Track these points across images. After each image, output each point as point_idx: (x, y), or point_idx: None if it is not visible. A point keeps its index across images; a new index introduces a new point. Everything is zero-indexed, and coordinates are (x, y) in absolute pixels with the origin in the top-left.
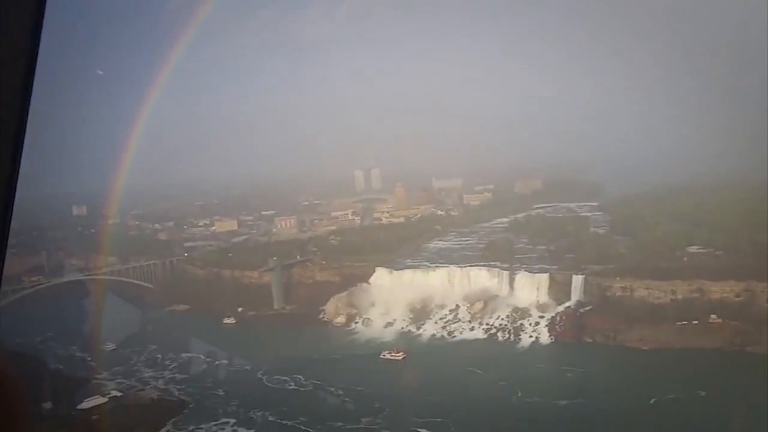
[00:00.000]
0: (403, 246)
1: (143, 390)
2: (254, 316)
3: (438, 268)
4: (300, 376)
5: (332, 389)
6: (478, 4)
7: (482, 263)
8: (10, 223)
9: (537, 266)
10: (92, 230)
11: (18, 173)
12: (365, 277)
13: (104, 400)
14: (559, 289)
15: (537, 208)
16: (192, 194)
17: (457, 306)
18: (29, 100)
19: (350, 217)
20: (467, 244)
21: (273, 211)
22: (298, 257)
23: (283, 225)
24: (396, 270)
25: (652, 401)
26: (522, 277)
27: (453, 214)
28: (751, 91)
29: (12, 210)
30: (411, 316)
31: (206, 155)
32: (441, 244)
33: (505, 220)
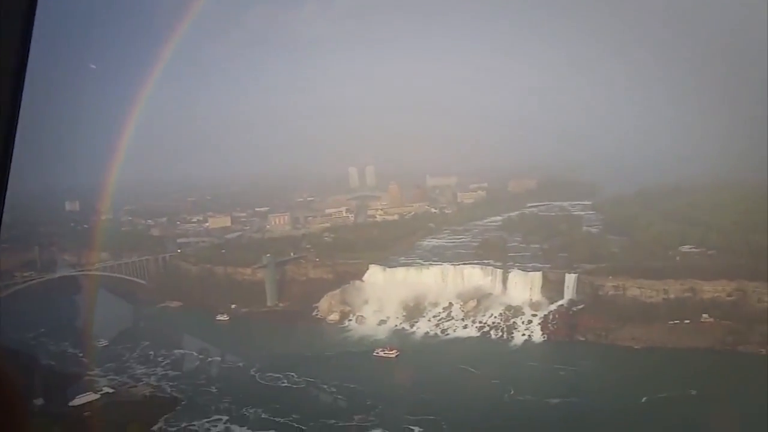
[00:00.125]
0: (396, 244)
1: (135, 387)
2: (247, 312)
3: (431, 266)
4: (293, 374)
5: (325, 386)
6: (474, 4)
7: (476, 261)
8: (1, 218)
9: (530, 265)
10: (85, 225)
11: (10, 168)
12: (359, 275)
13: (96, 396)
14: (551, 288)
15: (530, 206)
16: (185, 190)
17: (451, 304)
18: (21, 94)
19: (344, 215)
20: (461, 242)
21: (267, 208)
22: (292, 254)
23: (277, 222)
24: (390, 267)
25: (643, 400)
26: (515, 276)
27: (447, 212)
28: (746, 91)
29: (4, 205)
30: (404, 313)
31: (200, 151)
32: (435, 242)
33: (499, 218)
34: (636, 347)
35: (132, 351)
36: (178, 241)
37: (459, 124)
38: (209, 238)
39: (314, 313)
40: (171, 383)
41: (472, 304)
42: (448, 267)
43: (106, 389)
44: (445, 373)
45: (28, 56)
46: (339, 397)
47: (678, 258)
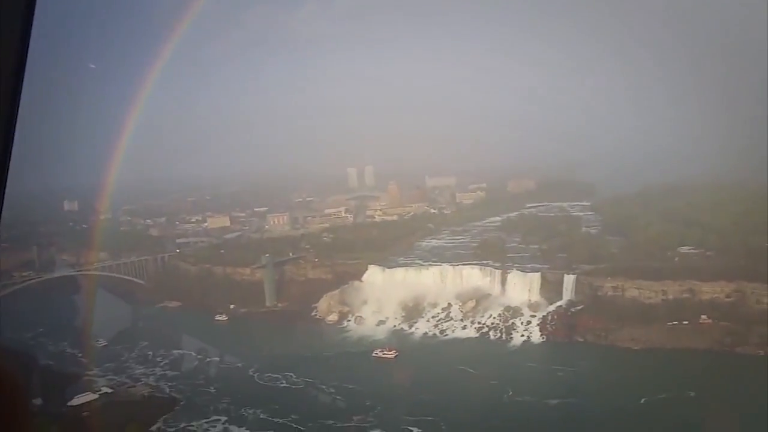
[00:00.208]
0: (395, 244)
1: (134, 387)
2: (246, 313)
3: (430, 267)
4: (291, 374)
5: (324, 387)
6: (473, 4)
7: (475, 262)
8: (0, 218)
9: (529, 265)
10: (84, 225)
11: (8, 167)
12: (358, 275)
13: (95, 396)
14: (550, 289)
15: (529, 207)
16: (184, 190)
17: (450, 304)
18: (20, 94)
19: (343, 215)
20: (460, 243)
21: (266, 208)
22: (291, 254)
23: (276, 222)
24: (389, 268)
25: (642, 401)
26: (514, 276)
27: (446, 212)
28: (745, 92)
29: (2, 204)
30: (403, 314)
31: (199, 151)
32: (434, 243)
33: (498, 219)
34: (635, 348)
35: (131, 351)
36: (177, 241)
37: (458, 125)
38: (208, 238)
39: (313, 314)
40: (170, 383)
41: (471, 304)
42: (447, 267)
43: (105, 389)
44: (444, 374)
45: (27, 55)
46: (338, 397)
47: (677, 259)
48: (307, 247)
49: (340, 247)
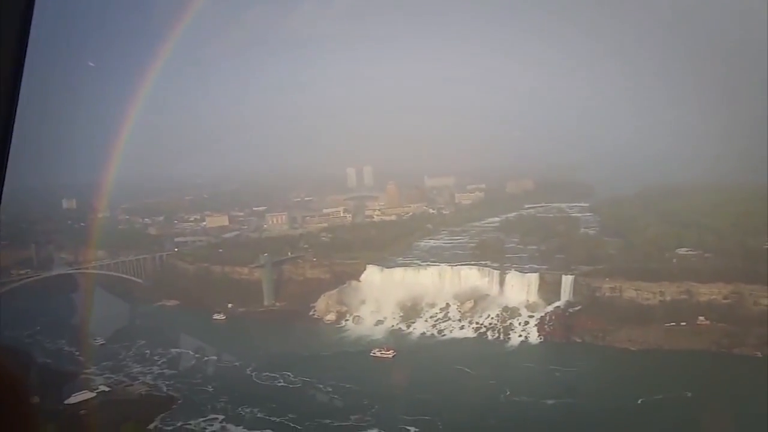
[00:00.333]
0: (394, 244)
1: (132, 385)
2: (244, 312)
3: (429, 267)
4: (289, 373)
5: (321, 386)
6: (472, 4)
7: (473, 262)
8: None
9: (527, 266)
10: (82, 224)
11: (7, 165)
12: (356, 275)
13: (92, 395)
14: (548, 289)
15: (528, 208)
16: (183, 189)
17: (448, 305)
18: (18, 91)
19: (342, 215)
20: (458, 243)
21: (264, 207)
22: (289, 254)
23: (275, 221)
24: (387, 268)
25: (639, 401)
26: (512, 277)
27: (444, 212)
28: (744, 93)
29: (0, 202)
30: (401, 314)
31: (198, 150)
32: (432, 243)
33: (497, 219)
34: (632, 349)
35: (128, 349)
36: (176, 239)
37: (457, 125)
38: (206, 237)
39: (311, 313)
40: (167, 382)
41: (469, 305)
42: (445, 268)
43: (102, 388)
44: (442, 374)
45: (25, 53)
46: (335, 396)
47: (674, 260)
48: (305, 246)
49: (339, 246)
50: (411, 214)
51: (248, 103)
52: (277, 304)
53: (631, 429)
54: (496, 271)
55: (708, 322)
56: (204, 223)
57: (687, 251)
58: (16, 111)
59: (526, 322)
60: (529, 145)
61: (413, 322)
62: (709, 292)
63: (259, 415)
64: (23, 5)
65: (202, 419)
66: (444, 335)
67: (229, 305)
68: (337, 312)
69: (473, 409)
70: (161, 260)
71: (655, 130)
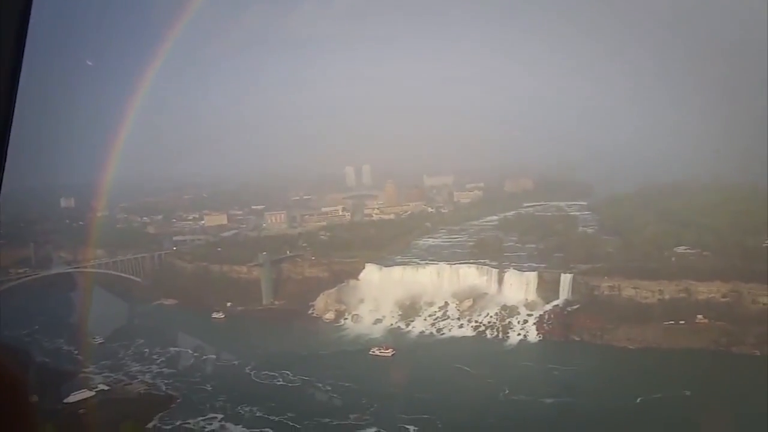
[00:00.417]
0: (393, 243)
1: (130, 384)
2: (243, 311)
3: (428, 265)
4: (288, 372)
5: (320, 385)
6: (470, 4)
7: (472, 261)
8: None
9: (526, 264)
10: (80, 222)
11: (5, 164)
12: (355, 274)
13: (91, 393)
14: (547, 288)
15: (527, 206)
16: (181, 188)
17: (446, 303)
18: (16, 90)
19: (340, 213)
20: (457, 242)
21: (263, 206)
22: (288, 252)
23: (273, 220)
24: (386, 266)
25: (638, 400)
26: (511, 276)
27: (443, 211)
28: (743, 93)
29: None
30: (400, 312)
31: (197, 149)
32: (431, 241)
33: (495, 218)
34: (631, 347)
35: (127, 348)
36: (174, 238)
37: (456, 124)
38: (205, 235)
39: (310, 312)
40: (166, 381)
41: (468, 303)
42: (444, 266)
43: (101, 386)
44: (441, 373)
45: (24, 52)
46: (334, 395)
47: (673, 259)
48: (304, 245)
49: (338, 245)
50: (410, 212)
51: (247, 103)
52: (276, 302)
53: (630, 428)
54: (494, 269)
55: (706, 320)
56: (203, 221)
57: (686, 250)
58: (14, 109)
59: (525, 321)
60: (527, 144)
61: (412, 321)
62: (708, 291)
63: (258, 414)
64: (21, 4)
65: (201, 418)
66: (443, 334)
67: (228, 304)
68: (336, 311)
69: (472, 408)
70: (160, 259)
71: (653, 129)
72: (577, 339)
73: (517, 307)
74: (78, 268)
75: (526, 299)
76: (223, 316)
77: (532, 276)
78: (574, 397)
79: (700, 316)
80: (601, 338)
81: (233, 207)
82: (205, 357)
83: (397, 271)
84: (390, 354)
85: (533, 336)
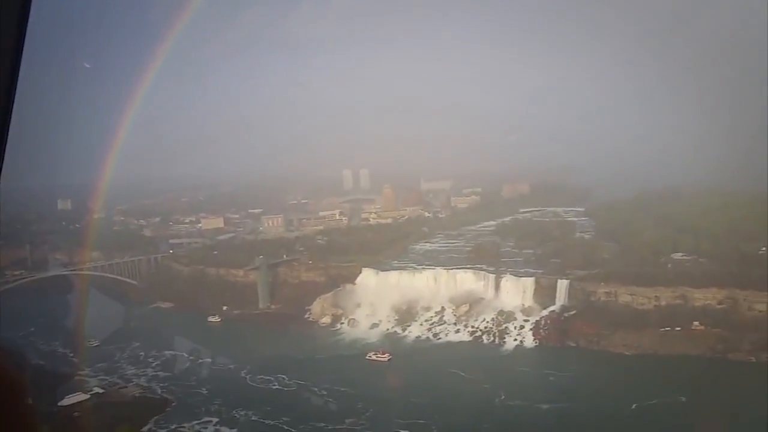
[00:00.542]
0: (390, 247)
1: (126, 387)
2: (239, 314)
3: (424, 270)
4: (284, 376)
5: (316, 389)
6: (468, 8)
7: (468, 266)
8: None
9: (523, 270)
10: (77, 225)
11: (2, 165)
12: (352, 278)
13: (86, 396)
14: (544, 293)
15: (524, 212)
16: (178, 191)
17: (443, 308)
18: (14, 91)
19: (338, 217)
20: (454, 247)
21: (260, 210)
22: (285, 256)
23: (270, 224)
24: (382, 271)
25: (634, 406)
26: (508, 281)
27: (440, 216)
28: (741, 98)
29: None
30: (396, 317)
31: (194, 152)
32: (428, 246)
33: (492, 223)
34: (627, 354)
35: (123, 351)
36: (171, 241)
37: (453, 129)
38: (202, 239)
39: (306, 316)
40: (161, 384)
41: (465, 308)
42: (441, 271)
43: (96, 389)
44: (437, 378)
45: (22, 54)
46: (330, 400)
47: (670, 265)
48: (301, 249)
49: (334, 249)
50: (407, 217)
51: (245, 105)
52: (272, 306)
53: None
54: (491, 274)
55: (703, 327)
56: (199, 225)
57: (682, 256)
58: (12, 110)
59: (522, 326)
60: (525, 150)
61: (408, 326)
62: (704, 298)
63: (253, 418)
64: (19, 6)
65: (196, 422)
66: (439, 339)
67: (224, 307)
68: (333, 315)
69: (468, 413)
70: (156, 262)
71: (650, 135)
72: (573, 345)
73: (514, 313)
74: (74, 270)
75: (523, 305)
76: (219, 320)
77: (528, 281)
78: (570, 402)
79: (696, 323)
80: (597, 344)
81: (230, 210)
82: (200, 360)
83: (393, 276)
84: (386, 359)
85: (529, 341)
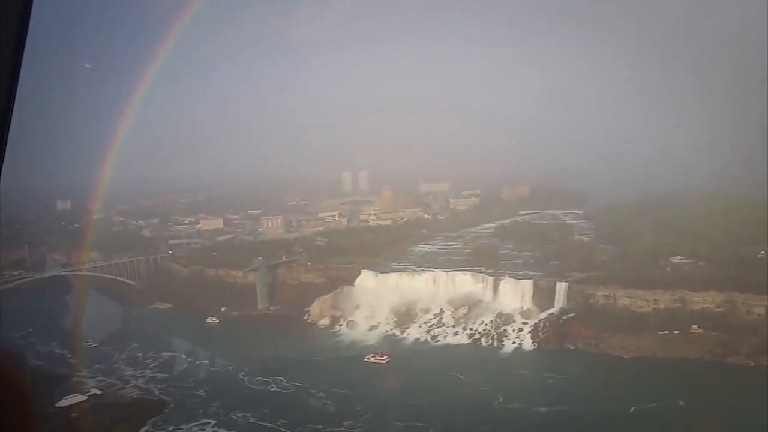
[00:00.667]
0: (389, 249)
1: (123, 389)
2: (238, 316)
3: (423, 272)
4: (282, 378)
5: (314, 392)
6: (468, 10)
7: (467, 268)
8: None
9: (521, 272)
10: (76, 225)
11: (2, 165)
12: (351, 280)
13: (84, 398)
14: (542, 296)
15: (523, 214)
16: (178, 191)
17: (442, 310)
18: (15, 92)
19: (337, 219)
20: (453, 249)
21: (259, 211)
22: (284, 258)
23: (270, 225)
24: (382, 273)
25: (632, 409)
26: (506, 283)
27: (440, 218)
28: (740, 103)
29: None
30: (395, 319)
31: (194, 153)
32: (427, 248)
33: (492, 225)
34: (625, 357)
35: (121, 352)
36: (170, 242)
37: (453, 130)
38: (201, 240)
39: (305, 318)
40: (159, 386)
41: (463, 310)
42: (440, 273)
43: (94, 391)
44: (435, 380)
45: (23, 54)
46: (328, 402)
47: (668, 268)
48: (300, 250)
49: (334, 251)
50: (406, 219)
51: (244, 107)
52: (271, 308)
53: None
54: (490, 277)
55: (701, 330)
56: (199, 225)
57: (681, 259)
58: (12, 110)
59: (520, 329)
60: (524, 152)
61: (407, 328)
62: (703, 301)
63: (251, 420)
64: (20, 7)
65: (193, 424)
66: (438, 341)
67: (223, 309)
68: (331, 317)
69: (466, 416)
70: (155, 263)
71: (649, 138)
72: (571, 347)
73: (513, 315)
74: (73, 270)
75: (522, 307)
76: (217, 321)
77: (527, 284)
78: (568, 405)
79: (694, 326)
80: (596, 347)
81: (229, 211)
82: (198, 362)
83: (392, 278)
84: (385, 361)
85: (528, 344)
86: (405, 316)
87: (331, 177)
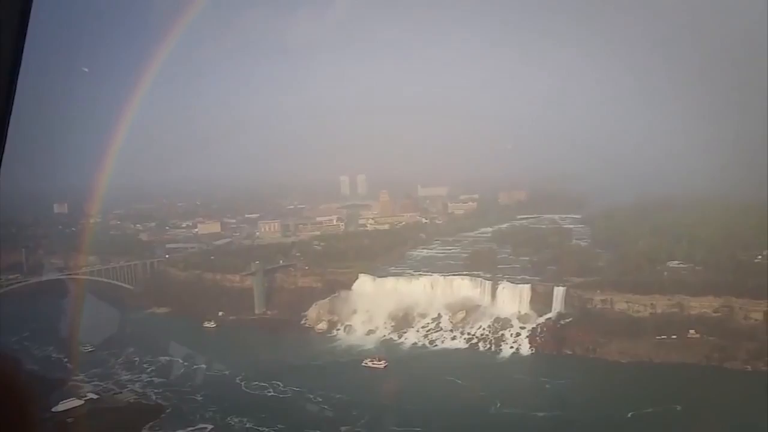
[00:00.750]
0: (386, 253)
1: (120, 393)
2: (235, 320)
3: (421, 277)
4: (279, 383)
5: (311, 396)
6: (467, 13)
7: (465, 272)
8: None
9: (519, 277)
10: (73, 229)
11: (0, 167)
12: (348, 284)
13: (80, 402)
14: (540, 301)
15: (521, 218)
16: (175, 195)
17: (439, 315)
18: (13, 96)
19: (335, 223)
20: (451, 253)
21: (257, 215)
22: (281, 262)
23: (267, 229)
24: (379, 277)
25: (629, 414)
26: (504, 288)
27: (437, 222)
28: (740, 107)
29: None
30: (393, 324)
31: (191, 156)
32: (425, 252)
33: (489, 229)
34: (623, 362)
35: (117, 357)
36: (167, 246)
37: (451, 135)
38: (198, 244)
39: (302, 322)
40: (156, 390)
41: (461, 315)
42: (437, 278)
43: (91, 395)
44: (433, 385)
45: (21, 58)
46: (325, 407)
47: (666, 273)
48: (297, 254)
49: (331, 255)
50: (404, 223)
51: (242, 110)
52: (269, 312)
53: None
54: (488, 281)
55: (698, 335)
56: (196, 229)
57: (678, 264)
58: (10, 114)
59: (518, 334)
60: (522, 156)
61: (405, 333)
62: (700, 306)
63: (248, 425)
64: (19, 11)
65: (190, 428)
66: (435, 346)
67: (220, 313)
68: (329, 321)
69: (463, 421)
70: (152, 267)
71: (647, 143)
72: (569, 352)
73: (510, 320)
74: (70, 274)
75: (519, 312)
76: (214, 325)
77: (525, 288)
78: (565, 410)
79: (692, 331)
80: (593, 352)
81: (227, 215)
82: (195, 366)
83: (390, 282)
84: (382, 365)
85: (526, 349)
86: (402, 321)
87: (328, 181)
